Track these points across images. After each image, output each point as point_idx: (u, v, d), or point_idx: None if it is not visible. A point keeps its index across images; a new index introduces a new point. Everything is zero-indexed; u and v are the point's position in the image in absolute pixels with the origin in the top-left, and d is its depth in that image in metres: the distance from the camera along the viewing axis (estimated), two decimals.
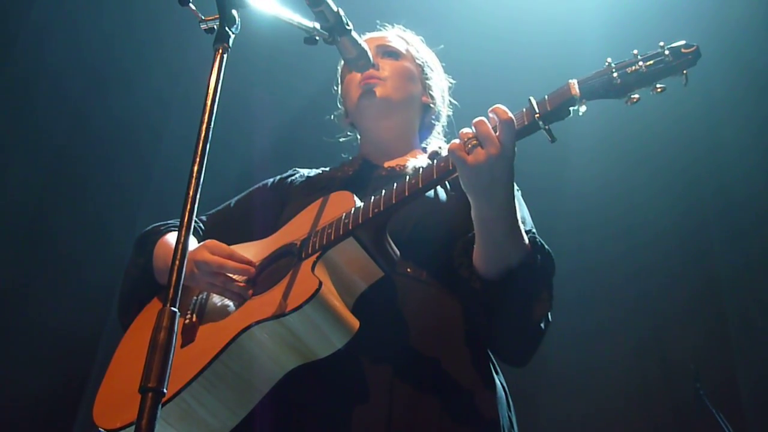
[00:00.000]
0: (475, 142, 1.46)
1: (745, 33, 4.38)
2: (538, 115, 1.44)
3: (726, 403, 3.76)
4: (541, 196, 1.89)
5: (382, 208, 1.56)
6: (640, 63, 1.40)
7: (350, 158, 2.15)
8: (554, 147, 1.56)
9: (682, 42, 1.39)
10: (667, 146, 4.69)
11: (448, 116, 2.20)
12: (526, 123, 1.46)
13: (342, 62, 2.13)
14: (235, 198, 2.10)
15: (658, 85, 1.40)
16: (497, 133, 1.45)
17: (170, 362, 1.12)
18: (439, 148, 2.02)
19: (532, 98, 1.46)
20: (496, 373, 1.74)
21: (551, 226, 1.80)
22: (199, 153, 1.30)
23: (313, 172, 2.10)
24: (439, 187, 1.86)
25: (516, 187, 1.85)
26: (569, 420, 4.40)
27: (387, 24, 2.22)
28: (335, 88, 2.26)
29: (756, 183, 4.32)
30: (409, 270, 1.71)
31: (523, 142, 1.49)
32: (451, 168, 1.52)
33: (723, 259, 4.46)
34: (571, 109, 1.44)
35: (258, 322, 1.48)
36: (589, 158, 4.65)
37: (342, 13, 1.74)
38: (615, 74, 1.41)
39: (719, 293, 4.41)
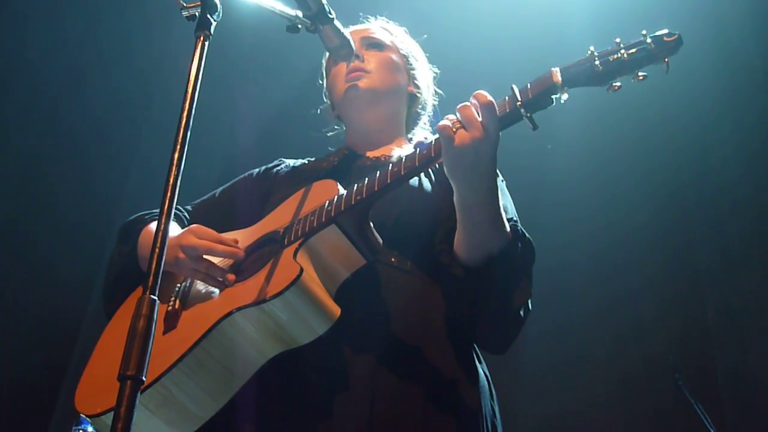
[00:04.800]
0: (459, 125, 1.47)
1: (730, 23, 4.42)
2: (519, 102, 1.45)
3: (705, 393, 3.80)
4: (521, 190, 1.90)
5: (364, 195, 1.56)
6: (622, 51, 1.41)
7: (331, 148, 2.16)
8: (534, 139, 1.58)
9: (665, 30, 1.40)
10: (647, 139, 4.72)
11: (434, 106, 2.21)
12: (508, 111, 1.46)
13: (327, 55, 2.14)
14: (221, 188, 2.10)
15: (639, 73, 1.41)
16: (480, 118, 1.46)
17: (149, 350, 1.12)
18: (425, 138, 2.03)
19: (514, 86, 1.47)
20: (480, 362, 1.75)
21: (531, 220, 1.81)
22: (179, 140, 1.30)
23: (298, 162, 2.10)
24: (424, 178, 1.87)
25: (500, 177, 1.86)
26: (550, 412, 4.43)
27: (370, 16, 2.22)
28: (320, 81, 2.25)
29: (735, 175, 4.37)
30: (393, 260, 1.71)
31: (503, 135, 1.49)
32: (433, 155, 1.52)
33: (703, 251, 4.50)
34: (553, 97, 1.44)
35: (239, 309, 1.48)
36: (569, 151, 4.67)
37: (324, 1, 1.74)
38: (597, 62, 1.42)
39: (699, 285, 4.45)
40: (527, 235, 1.67)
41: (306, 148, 2.22)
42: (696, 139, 4.61)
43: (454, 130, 1.47)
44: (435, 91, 2.21)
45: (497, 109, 1.47)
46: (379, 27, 2.16)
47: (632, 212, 4.72)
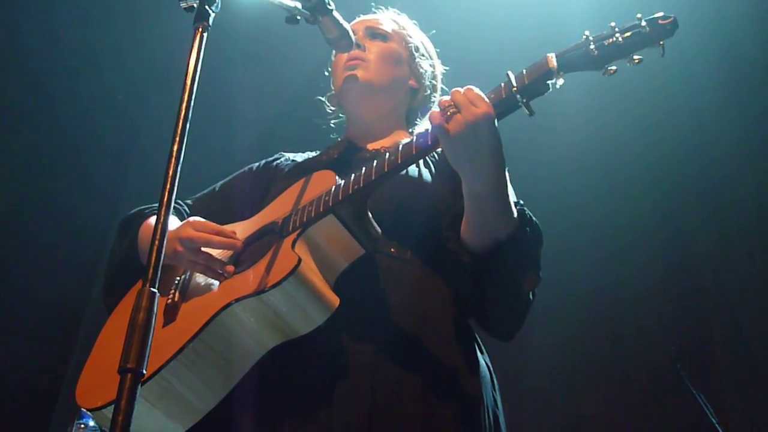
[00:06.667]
0: (453, 109, 1.47)
1: (730, 14, 4.40)
2: (515, 88, 1.44)
3: (707, 383, 3.80)
4: (519, 177, 1.89)
5: (361, 185, 1.56)
6: (617, 35, 1.40)
7: (338, 139, 2.15)
8: (532, 126, 1.57)
9: (660, 13, 1.40)
10: (648, 125, 4.70)
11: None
12: (504, 97, 1.46)
13: None
14: (221, 182, 2.10)
15: (635, 57, 1.40)
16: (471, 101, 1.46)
17: (149, 343, 1.12)
18: (427, 129, 2.01)
19: (509, 72, 1.46)
20: (481, 352, 1.74)
21: (530, 207, 1.80)
22: (178, 133, 1.30)
23: (299, 155, 2.10)
24: (424, 168, 1.86)
25: None
26: (547, 400, 4.44)
27: (382, 7, 2.20)
28: (329, 69, 2.23)
29: (735, 161, 4.36)
30: (393, 250, 1.70)
31: (503, 123, 1.48)
32: (430, 143, 1.51)
33: (702, 241, 4.49)
34: (549, 82, 1.44)
35: (238, 300, 1.49)
36: (567, 139, 4.66)
37: None
38: (592, 46, 1.41)
39: (700, 275, 4.45)
40: (534, 219, 1.66)
41: (306, 141, 2.22)
42: (696, 131, 4.59)
43: (448, 113, 1.47)
44: (442, 88, 2.18)
45: (486, 96, 1.46)
46: (388, 18, 2.14)
47: (632, 202, 4.71)
